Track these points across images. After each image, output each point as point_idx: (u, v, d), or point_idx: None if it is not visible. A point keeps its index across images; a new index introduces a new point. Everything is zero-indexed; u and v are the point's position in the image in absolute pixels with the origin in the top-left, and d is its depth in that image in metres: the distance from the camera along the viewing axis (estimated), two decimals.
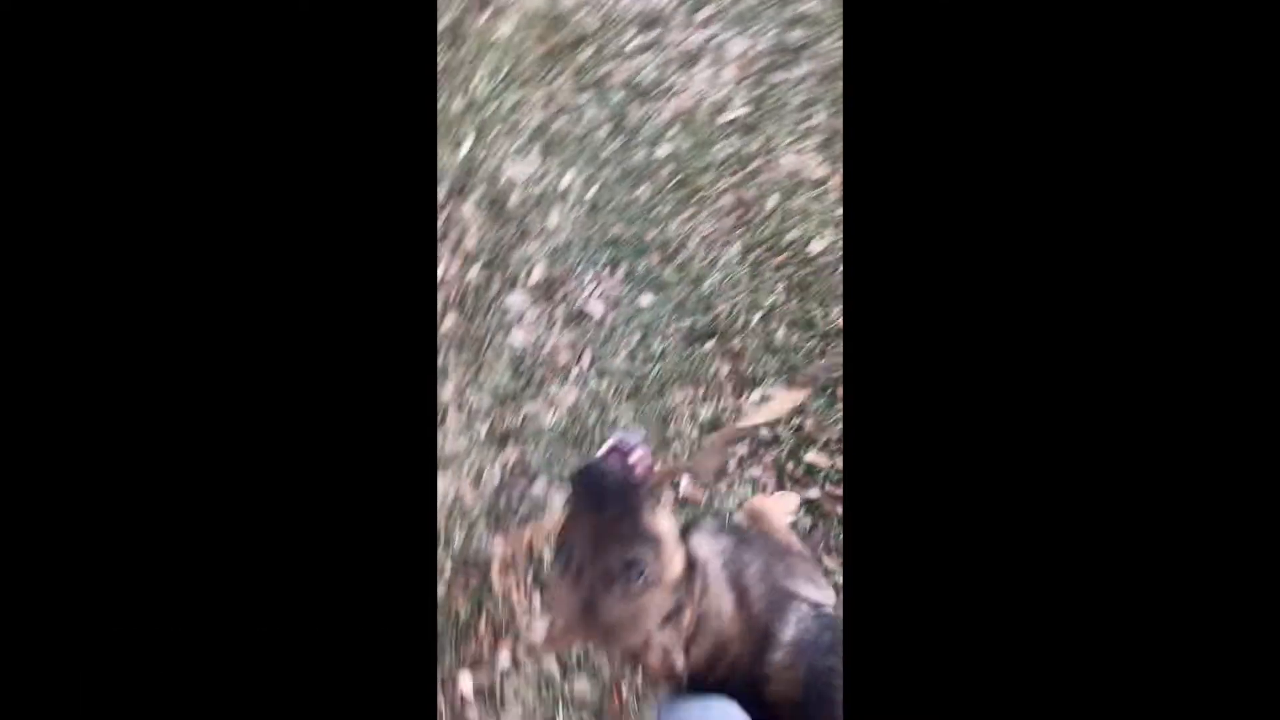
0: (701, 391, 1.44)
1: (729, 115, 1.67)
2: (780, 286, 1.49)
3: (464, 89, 1.83)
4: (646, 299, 1.54)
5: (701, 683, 0.77)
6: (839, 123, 1.57)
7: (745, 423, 1.33)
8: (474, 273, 1.63)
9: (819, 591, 0.82)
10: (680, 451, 1.39)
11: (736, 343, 1.46)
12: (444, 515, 1.42)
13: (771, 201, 1.57)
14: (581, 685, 1.27)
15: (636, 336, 1.51)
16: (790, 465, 1.33)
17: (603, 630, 0.70)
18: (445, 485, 1.44)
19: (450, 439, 1.48)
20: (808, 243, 1.51)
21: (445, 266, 1.65)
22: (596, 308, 1.54)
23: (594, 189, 1.66)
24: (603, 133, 1.72)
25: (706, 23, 1.78)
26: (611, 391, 1.47)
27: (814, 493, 1.30)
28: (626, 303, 1.54)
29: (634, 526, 0.70)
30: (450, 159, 1.75)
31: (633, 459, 0.75)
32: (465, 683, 1.30)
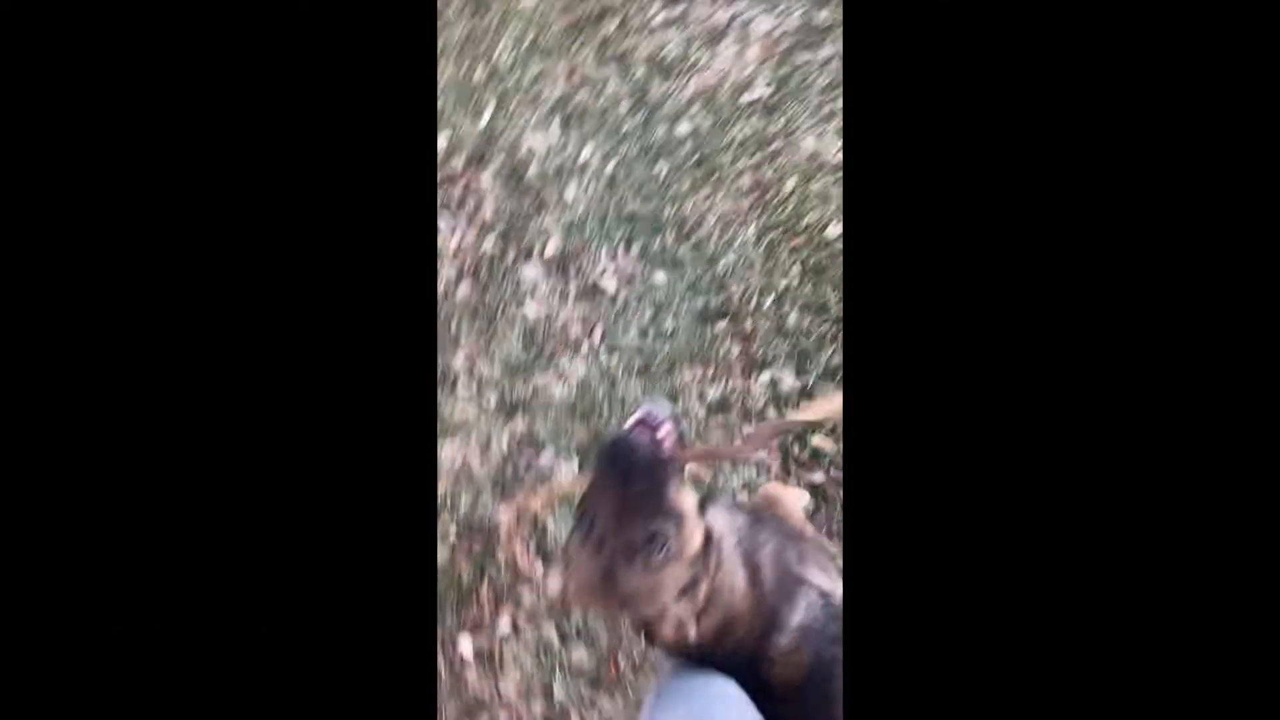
0: (711, 371, 1.44)
1: (751, 95, 1.66)
2: (795, 270, 1.49)
3: (487, 57, 1.82)
4: (660, 276, 1.54)
5: (707, 656, 0.78)
6: None
7: (795, 417, 1.33)
8: (490, 242, 1.63)
9: (830, 581, 0.82)
10: (687, 430, 1.39)
11: (748, 324, 1.46)
12: (450, 481, 1.44)
13: (790, 184, 1.56)
14: (579, 654, 1.29)
15: (649, 313, 1.51)
16: (796, 449, 1.34)
17: (620, 599, 0.71)
18: (453, 452, 1.46)
19: (460, 406, 1.50)
20: (824, 227, 1.50)
21: (461, 235, 1.66)
22: (610, 283, 1.54)
23: (612, 164, 1.66)
24: (623, 108, 1.71)
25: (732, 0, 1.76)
26: (621, 368, 1.48)
27: (819, 476, 1.31)
28: (640, 279, 1.54)
29: (659, 501, 0.70)
30: (470, 127, 1.75)
31: (660, 434, 0.75)
32: (465, 645, 1.33)
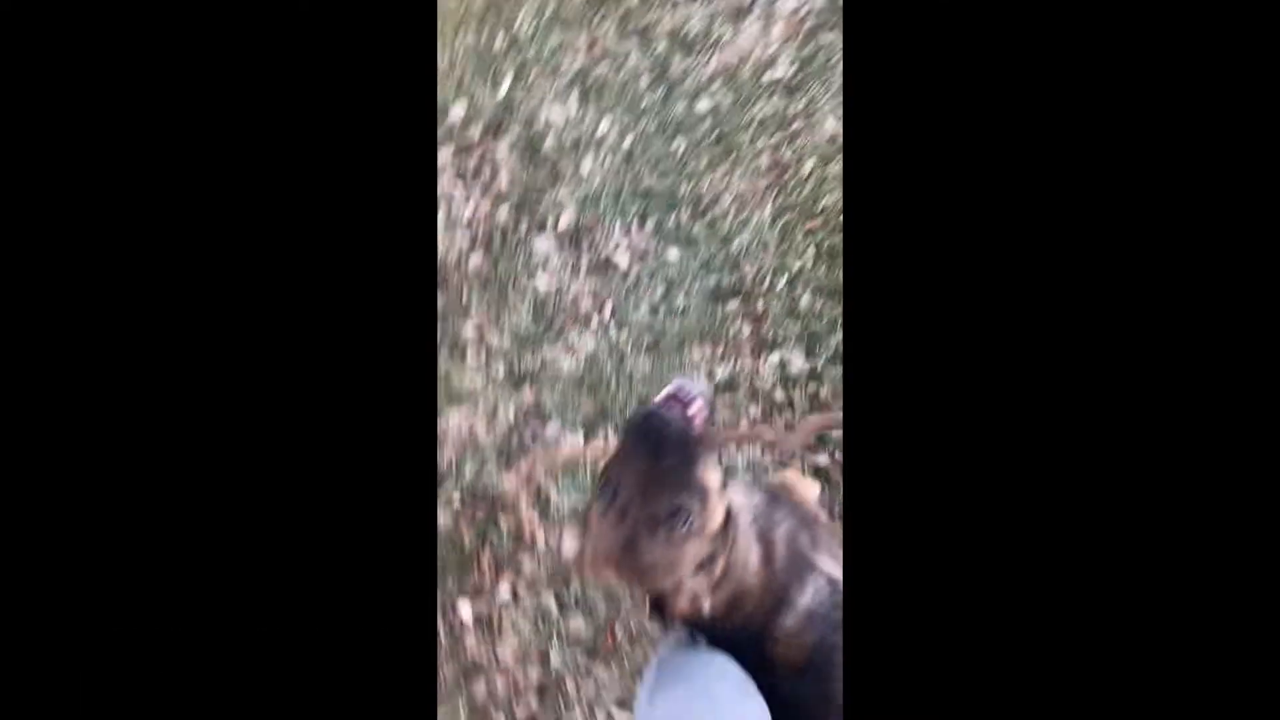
0: (720, 350, 1.44)
1: (774, 74, 1.64)
2: (809, 252, 1.47)
3: (507, 26, 1.80)
4: (673, 253, 1.53)
5: (715, 629, 0.78)
6: None
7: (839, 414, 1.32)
8: (503, 213, 1.62)
9: (839, 569, 0.83)
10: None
11: (759, 305, 1.45)
12: (457, 449, 1.45)
13: (809, 165, 1.54)
14: (577, 623, 1.30)
15: (660, 290, 1.51)
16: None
17: (638, 570, 0.71)
18: (460, 420, 1.47)
19: (468, 375, 1.50)
20: (841, 210, 1.49)
21: (475, 205, 1.65)
22: (622, 258, 1.54)
23: (630, 138, 1.64)
24: (643, 82, 1.69)
25: None
26: (630, 343, 1.48)
27: (823, 459, 1.31)
28: (653, 256, 1.54)
29: (687, 477, 0.70)
30: (489, 97, 1.74)
31: (692, 410, 0.75)
32: (465, 610, 1.34)
